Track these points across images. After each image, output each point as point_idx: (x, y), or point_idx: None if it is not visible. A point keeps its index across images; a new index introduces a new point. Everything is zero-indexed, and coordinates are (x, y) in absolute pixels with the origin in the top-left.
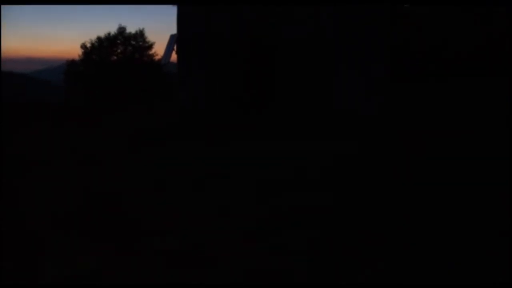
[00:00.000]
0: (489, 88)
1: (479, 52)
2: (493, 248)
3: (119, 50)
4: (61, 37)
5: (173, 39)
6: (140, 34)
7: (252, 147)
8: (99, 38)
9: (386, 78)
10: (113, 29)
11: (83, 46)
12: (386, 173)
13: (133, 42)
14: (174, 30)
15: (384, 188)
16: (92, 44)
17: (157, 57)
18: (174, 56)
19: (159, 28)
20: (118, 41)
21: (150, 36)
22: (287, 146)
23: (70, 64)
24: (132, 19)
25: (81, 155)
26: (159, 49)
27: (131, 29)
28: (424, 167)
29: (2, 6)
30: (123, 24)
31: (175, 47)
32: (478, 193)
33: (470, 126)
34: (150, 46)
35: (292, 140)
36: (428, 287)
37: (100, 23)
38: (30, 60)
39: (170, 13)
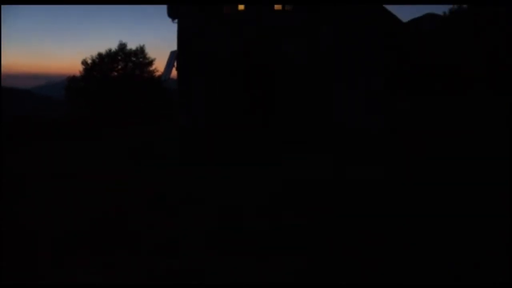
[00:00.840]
0: (484, 104)
1: (478, 67)
2: (493, 248)
3: (119, 66)
4: (62, 53)
5: (173, 56)
6: (141, 51)
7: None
8: (100, 54)
9: (385, 91)
10: (114, 46)
11: (84, 62)
12: (387, 176)
13: (133, 59)
14: (174, 47)
15: (385, 189)
16: (93, 60)
17: (157, 73)
18: (174, 73)
19: (159, 44)
20: (119, 57)
21: (150, 53)
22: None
23: (71, 80)
24: (132, 36)
25: (80, 169)
26: (159, 66)
27: (131, 45)
28: (423, 169)
29: (2, 7)
30: (123, 41)
31: (175, 64)
32: (478, 193)
33: (467, 135)
34: (151, 63)
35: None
36: (428, 287)
37: (101, 40)
38: (31, 76)
39: (170, 29)
